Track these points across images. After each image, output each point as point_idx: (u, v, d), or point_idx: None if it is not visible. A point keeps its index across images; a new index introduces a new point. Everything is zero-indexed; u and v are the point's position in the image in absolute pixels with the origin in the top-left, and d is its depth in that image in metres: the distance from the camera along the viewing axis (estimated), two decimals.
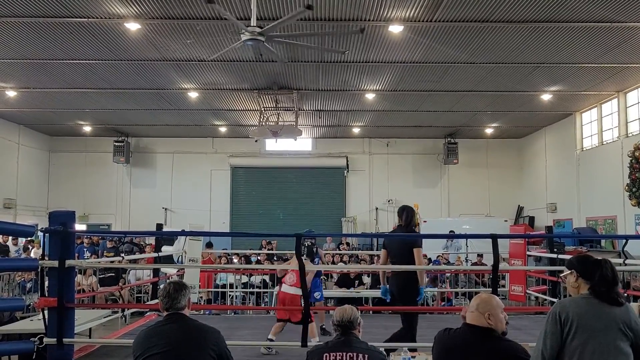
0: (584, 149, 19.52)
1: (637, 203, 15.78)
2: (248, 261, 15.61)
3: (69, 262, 6.15)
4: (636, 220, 16.10)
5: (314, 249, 8.71)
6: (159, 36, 12.27)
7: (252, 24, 9.22)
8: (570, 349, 3.33)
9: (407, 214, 6.95)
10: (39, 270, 6.33)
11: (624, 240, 9.78)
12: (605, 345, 3.29)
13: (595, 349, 3.28)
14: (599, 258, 3.60)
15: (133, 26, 11.62)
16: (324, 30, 12.00)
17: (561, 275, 3.75)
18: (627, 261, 8.47)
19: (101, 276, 13.45)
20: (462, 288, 13.75)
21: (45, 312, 6.09)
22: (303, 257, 8.25)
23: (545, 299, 11.53)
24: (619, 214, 16.85)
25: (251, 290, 13.23)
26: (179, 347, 3.88)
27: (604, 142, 18.37)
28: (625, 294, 8.91)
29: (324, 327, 8.85)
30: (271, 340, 7.70)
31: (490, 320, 3.66)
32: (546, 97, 17.12)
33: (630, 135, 16.75)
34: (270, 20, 10.98)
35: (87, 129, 22.24)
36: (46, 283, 6.30)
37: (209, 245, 14.46)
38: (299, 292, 7.93)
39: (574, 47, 12.74)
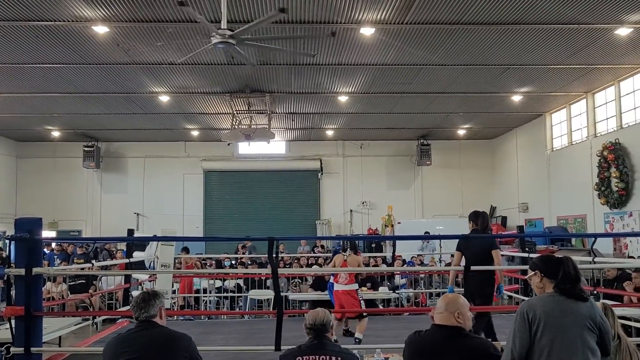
0: (554, 149, 19.77)
1: (606, 202, 16.03)
2: (220, 266, 15.48)
3: (35, 270, 6.02)
4: (605, 219, 16.34)
5: (356, 243, 9.02)
6: (128, 39, 12.12)
7: (222, 27, 9.17)
8: (540, 347, 3.37)
9: (482, 219, 7.54)
10: (6, 278, 6.19)
11: (593, 239, 9.90)
12: (573, 341, 3.35)
13: (564, 345, 3.34)
14: (560, 256, 3.66)
15: (101, 29, 11.46)
16: (296, 34, 11.98)
17: (527, 276, 3.81)
18: (596, 259, 8.58)
19: (72, 283, 13.23)
20: (436, 289, 13.79)
21: (12, 321, 5.95)
22: (347, 253, 8.58)
23: (518, 298, 11.61)
24: (589, 212, 17.09)
25: (225, 294, 13.13)
26: (150, 354, 3.85)
27: (574, 142, 18.63)
28: (595, 291, 9.03)
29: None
30: (359, 340, 8.15)
31: (460, 319, 3.73)
32: (517, 98, 17.30)
33: (599, 135, 17.00)
34: (242, 22, 10.94)
35: (56, 134, 21.89)
36: (13, 291, 6.16)
37: (186, 250, 14.27)
38: (354, 287, 8.54)
39: (543, 48, 12.89)
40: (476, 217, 7.49)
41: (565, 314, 3.40)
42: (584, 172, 17.21)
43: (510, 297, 12.45)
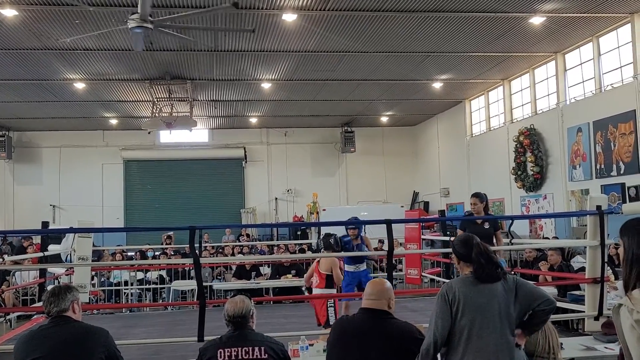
0: (474, 135, 20.31)
1: (522, 185, 16.61)
2: (144, 257, 15.11)
3: None
4: (522, 202, 16.95)
5: (331, 242, 8.13)
6: (39, 23, 11.55)
7: (138, 11, 8.88)
8: (460, 327, 3.44)
9: (486, 200, 8.00)
10: None
11: (511, 221, 10.21)
12: (491, 320, 3.41)
13: (482, 325, 3.41)
14: (472, 239, 3.69)
15: (9, 12, 10.87)
16: (216, 26, 11.75)
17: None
18: (513, 240, 8.86)
19: None
20: None
21: None
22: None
23: (440, 281, 11.89)
24: (507, 196, 17.67)
25: (147, 286, 12.82)
26: (63, 351, 3.69)
27: (492, 128, 19.19)
28: (512, 272, 9.32)
29: None
30: None
31: (391, 305, 3.84)
32: (437, 85, 17.65)
33: (515, 121, 17.57)
34: (161, 7, 10.64)
35: None
36: None
37: None
38: (324, 291, 7.59)
39: (462, 36, 13.16)
40: (482, 199, 7.90)
41: (482, 295, 3.47)
42: (502, 157, 17.77)
43: (432, 280, 12.75)
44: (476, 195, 8.00)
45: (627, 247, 2.58)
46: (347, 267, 8.74)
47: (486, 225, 7.74)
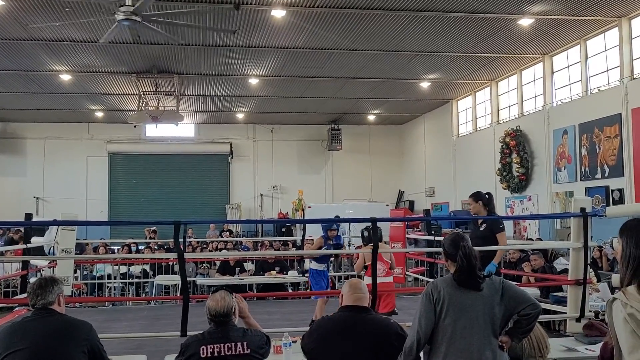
0: (460, 135, 20.38)
1: (507, 186, 16.69)
2: (130, 251, 15.03)
3: None
4: (506, 203, 17.03)
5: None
6: (25, 13, 11.42)
7: (127, 3, 8.82)
8: (443, 326, 3.43)
9: (491, 200, 7.61)
10: None
11: None
12: (475, 321, 3.40)
13: (466, 325, 3.40)
14: (460, 240, 3.65)
15: None
16: (203, 25, 11.70)
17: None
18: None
19: None
20: (345, 272, 13.92)
21: None
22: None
23: (423, 280, 11.91)
24: None
25: (131, 280, 12.74)
26: (46, 343, 3.65)
27: (478, 129, 19.26)
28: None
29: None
30: None
31: (369, 301, 3.93)
32: (425, 84, 17.68)
33: (502, 122, 17.65)
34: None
35: None
36: None
37: None
38: (389, 279, 8.10)
39: (450, 36, 13.19)
40: (487, 198, 7.56)
41: (467, 295, 3.46)
42: (487, 157, 17.83)
43: (416, 279, 12.78)
44: (471, 195, 7.75)
45: (625, 246, 2.69)
46: (317, 266, 9.01)
47: (481, 227, 7.34)
